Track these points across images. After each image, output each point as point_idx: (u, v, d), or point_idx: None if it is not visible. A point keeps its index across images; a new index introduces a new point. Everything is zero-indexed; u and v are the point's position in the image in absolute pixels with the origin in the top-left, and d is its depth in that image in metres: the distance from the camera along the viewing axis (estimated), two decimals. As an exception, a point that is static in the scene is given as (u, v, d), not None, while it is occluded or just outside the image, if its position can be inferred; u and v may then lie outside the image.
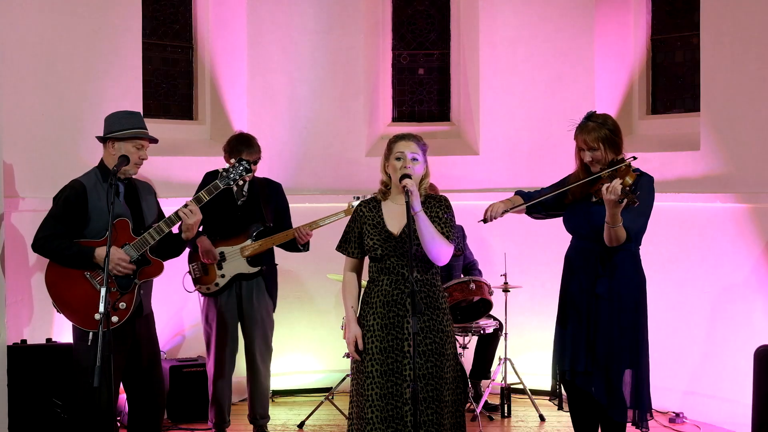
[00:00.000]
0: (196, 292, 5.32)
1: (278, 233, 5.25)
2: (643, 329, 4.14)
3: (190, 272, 5.29)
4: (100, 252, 4.13)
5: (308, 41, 6.81)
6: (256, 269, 5.21)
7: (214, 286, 5.21)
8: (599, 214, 3.99)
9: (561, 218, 4.28)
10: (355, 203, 5.09)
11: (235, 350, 5.31)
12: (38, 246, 4.24)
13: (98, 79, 5.83)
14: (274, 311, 5.37)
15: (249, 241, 5.20)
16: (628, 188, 3.79)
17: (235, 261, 5.19)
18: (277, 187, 5.44)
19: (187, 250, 5.18)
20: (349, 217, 5.07)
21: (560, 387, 4.27)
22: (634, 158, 4.04)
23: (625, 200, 3.79)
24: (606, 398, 4.08)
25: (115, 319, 4.14)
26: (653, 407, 6.01)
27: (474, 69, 6.94)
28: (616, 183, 3.79)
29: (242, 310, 5.26)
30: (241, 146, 5.18)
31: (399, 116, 7.26)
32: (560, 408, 4.35)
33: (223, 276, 5.20)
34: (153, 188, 4.53)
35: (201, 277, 5.24)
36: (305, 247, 5.31)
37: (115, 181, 4.04)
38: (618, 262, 4.08)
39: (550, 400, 4.42)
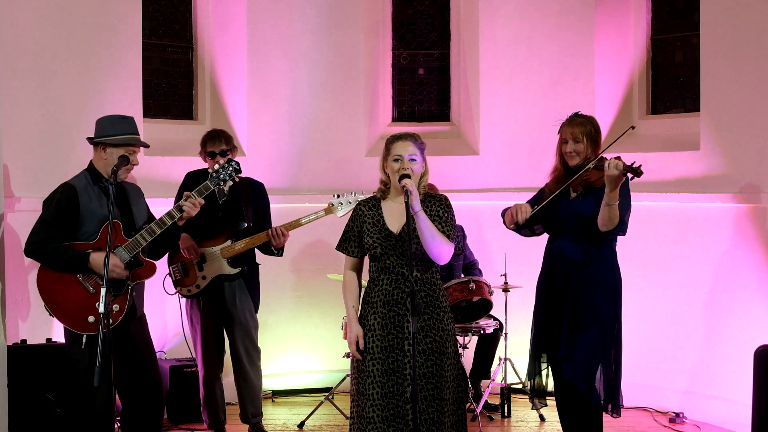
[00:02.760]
0: (177, 294, 5.30)
1: (258, 233, 5.20)
2: (618, 322, 4.30)
3: (170, 274, 5.27)
4: (95, 257, 4.13)
5: (308, 41, 6.81)
6: (236, 270, 5.18)
7: (195, 287, 5.19)
8: (584, 205, 4.20)
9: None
10: (335, 201, 5.11)
11: (222, 351, 5.31)
12: (31, 251, 4.22)
13: (98, 79, 5.83)
14: (257, 311, 5.34)
15: (229, 242, 5.18)
16: (630, 164, 3.99)
17: (216, 262, 5.16)
18: (258, 186, 5.39)
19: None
20: (329, 215, 5.10)
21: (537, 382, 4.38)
22: (632, 127, 4.29)
23: (630, 174, 3.99)
24: (586, 385, 4.18)
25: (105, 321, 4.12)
26: (653, 407, 6.06)
27: (474, 69, 6.94)
28: (616, 160, 3.99)
29: (226, 312, 5.24)
30: (206, 139, 5.23)
31: (399, 116, 7.26)
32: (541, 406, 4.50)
33: (204, 278, 5.17)
34: (142, 191, 4.52)
35: (182, 279, 5.22)
36: (280, 252, 5.23)
37: (114, 183, 4.04)
38: (602, 254, 4.25)
39: (534, 401, 4.50)
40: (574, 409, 4.28)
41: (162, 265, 5.18)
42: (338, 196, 5.16)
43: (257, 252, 5.34)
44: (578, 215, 4.21)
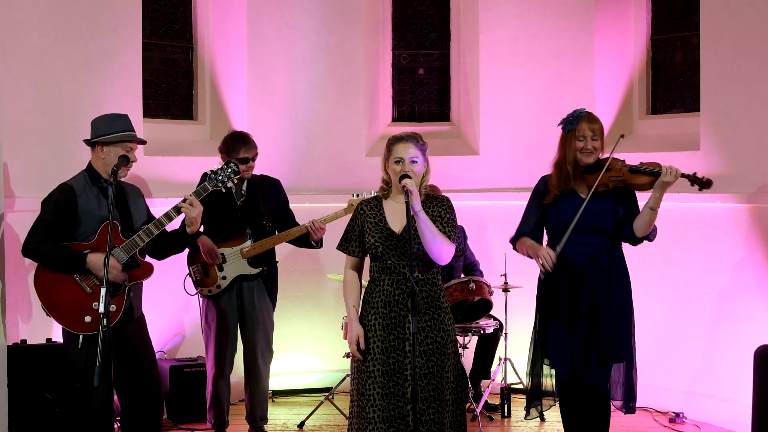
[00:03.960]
0: (197, 295, 5.31)
1: (279, 233, 5.22)
2: (633, 320, 4.28)
3: (190, 275, 5.28)
4: (92, 258, 4.13)
5: (308, 41, 6.81)
6: (257, 270, 5.20)
7: (215, 288, 5.20)
8: (605, 207, 4.14)
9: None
10: (355, 202, 5.08)
11: (234, 351, 5.30)
12: (29, 251, 4.23)
13: (98, 79, 5.83)
14: (274, 310, 5.35)
15: (249, 242, 5.18)
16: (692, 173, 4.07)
17: (236, 262, 5.18)
18: (275, 183, 5.40)
19: (186, 251, 5.18)
20: (350, 215, 5.09)
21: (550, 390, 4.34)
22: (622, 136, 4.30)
23: (697, 185, 4.04)
24: (611, 389, 4.20)
25: (104, 321, 4.12)
26: (653, 407, 6.06)
27: (474, 69, 6.94)
28: (675, 168, 4.01)
29: (243, 312, 5.24)
30: (238, 144, 5.18)
31: (399, 116, 7.26)
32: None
33: (224, 278, 5.19)
34: (141, 192, 4.53)
35: (202, 279, 5.23)
36: (319, 243, 5.23)
37: (114, 183, 4.04)
38: (620, 255, 4.24)
39: (539, 413, 4.47)
40: (588, 411, 4.24)
41: (182, 265, 5.20)
42: (357, 195, 5.14)
43: (277, 250, 5.35)
44: (603, 217, 4.13)
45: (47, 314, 4.24)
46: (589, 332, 4.13)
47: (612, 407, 4.31)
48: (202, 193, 4.34)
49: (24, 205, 5.23)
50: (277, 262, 5.41)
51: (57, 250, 4.16)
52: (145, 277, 4.33)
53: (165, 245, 4.42)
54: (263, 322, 5.25)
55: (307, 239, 5.20)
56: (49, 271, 4.20)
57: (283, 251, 5.61)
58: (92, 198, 4.23)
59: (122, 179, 4.36)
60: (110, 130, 4.25)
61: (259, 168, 5.39)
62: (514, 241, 4.36)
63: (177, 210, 4.25)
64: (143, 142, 4.38)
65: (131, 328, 4.31)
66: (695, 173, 4.04)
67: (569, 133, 4.19)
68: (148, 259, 4.41)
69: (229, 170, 4.41)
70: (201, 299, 5.31)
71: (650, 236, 4.18)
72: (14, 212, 5.17)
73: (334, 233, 5.13)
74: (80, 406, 4.15)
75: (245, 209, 5.24)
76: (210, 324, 5.25)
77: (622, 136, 4.26)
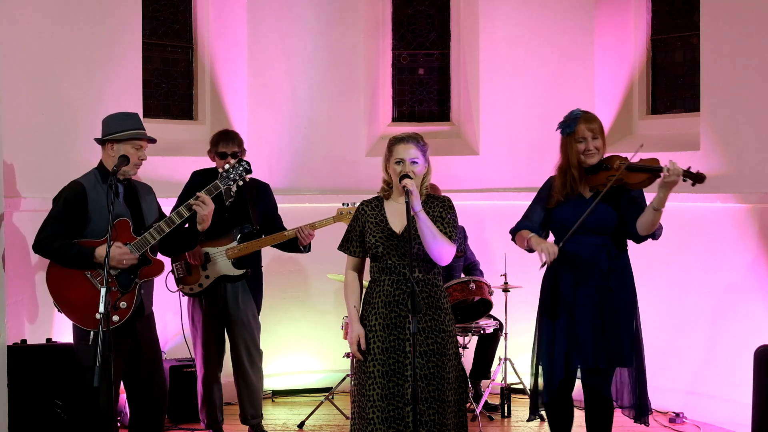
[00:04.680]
0: (178, 292, 5.30)
1: (266, 237, 5.20)
2: (639, 323, 4.22)
3: (173, 271, 5.27)
4: (101, 251, 4.14)
5: (308, 41, 6.81)
6: (240, 272, 5.18)
7: (197, 286, 5.19)
8: (608, 207, 4.07)
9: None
10: (344, 210, 5.10)
11: (222, 351, 5.31)
12: (39, 247, 4.25)
13: (98, 79, 5.83)
14: (259, 313, 5.34)
15: (234, 243, 5.18)
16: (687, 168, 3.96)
17: (220, 262, 5.16)
18: (264, 188, 5.38)
19: None
20: (338, 223, 5.10)
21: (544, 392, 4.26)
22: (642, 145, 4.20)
23: (690, 180, 3.93)
24: (618, 394, 4.16)
25: (115, 318, 4.14)
26: (654, 407, 6.06)
27: (474, 69, 6.94)
28: (677, 166, 3.90)
29: (227, 313, 5.24)
30: (220, 138, 5.23)
31: (399, 116, 7.26)
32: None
33: (207, 277, 5.18)
34: (152, 189, 4.54)
35: (184, 277, 5.22)
36: (307, 248, 5.23)
37: (114, 181, 4.05)
38: (622, 256, 4.18)
39: (534, 413, 4.39)
40: (589, 415, 4.20)
41: (166, 262, 5.20)
42: (347, 205, 5.14)
43: (264, 253, 5.34)
44: (604, 218, 4.08)
45: (59, 310, 4.26)
46: (590, 335, 4.08)
47: (616, 409, 4.26)
48: (214, 191, 4.37)
49: (24, 204, 5.23)
50: (262, 266, 5.40)
51: (66, 246, 4.18)
52: (156, 275, 4.35)
53: (176, 243, 4.45)
54: (247, 324, 5.24)
55: (295, 244, 5.19)
56: (60, 267, 4.22)
57: (285, 251, 5.60)
58: (102, 195, 4.24)
59: (133, 177, 4.38)
60: (120, 128, 4.28)
61: (259, 168, 5.39)
62: (513, 232, 4.31)
63: (188, 208, 4.27)
64: (153, 141, 4.39)
65: (140, 325, 4.33)
66: (689, 168, 3.99)
67: (569, 137, 4.13)
68: (159, 256, 4.43)
69: (241, 168, 4.45)
70: (187, 300, 5.30)
71: (655, 234, 4.13)
72: (15, 212, 5.17)
73: (335, 234, 5.14)
74: (86, 404, 4.15)
75: (233, 210, 5.23)
76: (196, 325, 5.26)
77: (642, 145, 4.18)
